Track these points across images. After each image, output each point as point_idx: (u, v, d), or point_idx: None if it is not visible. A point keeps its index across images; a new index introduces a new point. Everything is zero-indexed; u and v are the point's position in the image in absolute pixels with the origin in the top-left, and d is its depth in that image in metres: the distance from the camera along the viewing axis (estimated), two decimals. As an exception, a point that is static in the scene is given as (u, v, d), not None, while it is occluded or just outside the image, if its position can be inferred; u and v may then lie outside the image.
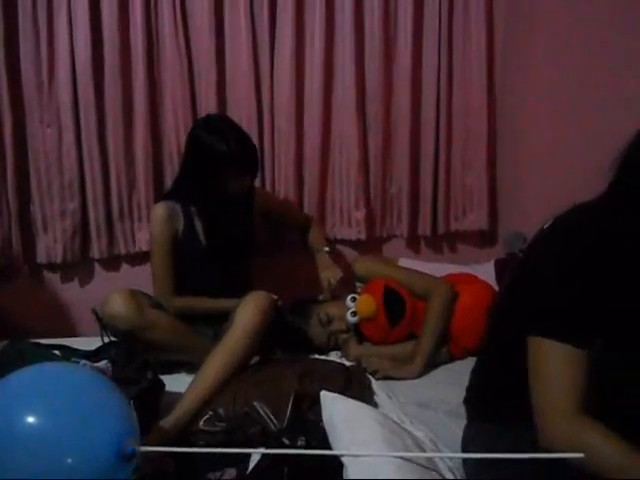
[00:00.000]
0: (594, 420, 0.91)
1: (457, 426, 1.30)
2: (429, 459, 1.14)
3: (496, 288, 1.96)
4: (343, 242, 2.38)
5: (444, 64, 2.28)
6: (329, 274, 1.99)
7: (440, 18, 2.25)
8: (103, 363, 1.45)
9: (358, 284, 2.04)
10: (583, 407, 0.92)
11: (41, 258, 2.15)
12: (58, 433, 0.96)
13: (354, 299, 1.91)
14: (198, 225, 1.87)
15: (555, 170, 2.05)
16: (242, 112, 2.15)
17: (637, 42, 1.61)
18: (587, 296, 0.93)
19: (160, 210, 1.82)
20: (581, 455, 0.87)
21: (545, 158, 2.12)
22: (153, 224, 1.83)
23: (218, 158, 1.74)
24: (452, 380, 1.64)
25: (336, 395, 1.18)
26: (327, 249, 2.09)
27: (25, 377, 1.05)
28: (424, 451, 1.15)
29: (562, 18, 1.97)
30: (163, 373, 1.64)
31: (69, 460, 0.96)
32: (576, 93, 1.90)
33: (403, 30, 2.25)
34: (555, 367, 0.93)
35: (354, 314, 1.89)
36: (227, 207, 1.88)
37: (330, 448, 1.10)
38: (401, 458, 1.01)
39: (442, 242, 2.49)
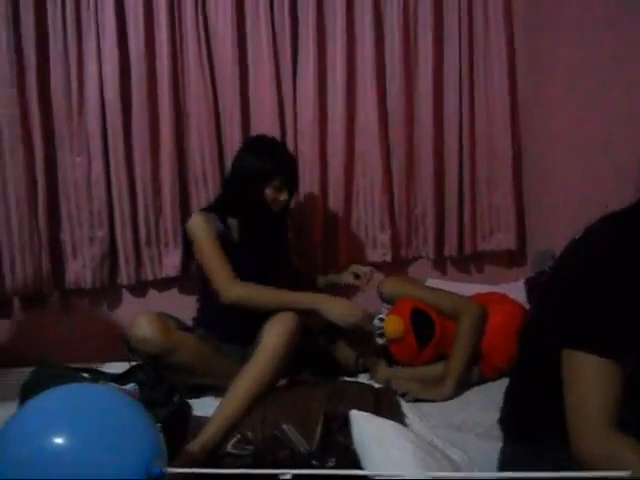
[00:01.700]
0: (629, 436, 0.88)
1: (492, 448, 1.25)
2: (464, 481, 1.10)
3: (527, 307, 1.92)
4: (369, 264, 2.35)
5: (466, 83, 2.29)
6: (356, 267, 2.09)
7: (460, 38, 2.27)
8: (131, 386, 1.45)
9: (386, 305, 2.01)
10: (616, 420, 0.89)
11: (70, 284, 2.17)
12: (85, 454, 0.95)
13: (382, 320, 1.88)
14: (235, 237, 1.88)
15: (583, 186, 2.01)
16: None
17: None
18: (618, 307, 0.90)
19: (198, 216, 1.86)
20: (627, 473, 0.83)
21: (572, 174, 2.09)
22: (195, 227, 1.83)
23: (258, 171, 1.83)
24: (484, 401, 1.60)
25: (367, 414, 1.16)
26: None
27: (52, 398, 1.05)
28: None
29: (586, 37, 1.96)
30: (191, 397, 1.64)
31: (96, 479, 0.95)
32: (602, 109, 1.88)
33: (424, 50, 2.27)
34: (587, 379, 0.91)
35: (382, 335, 1.85)
36: (265, 223, 1.90)
37: (361, 469, 1.07)
38: (435, 479, 0.97)
39: (469, 263, 2.46)
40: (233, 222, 1.89)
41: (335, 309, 1.72)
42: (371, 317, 1.84)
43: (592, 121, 1.94)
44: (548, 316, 1.03)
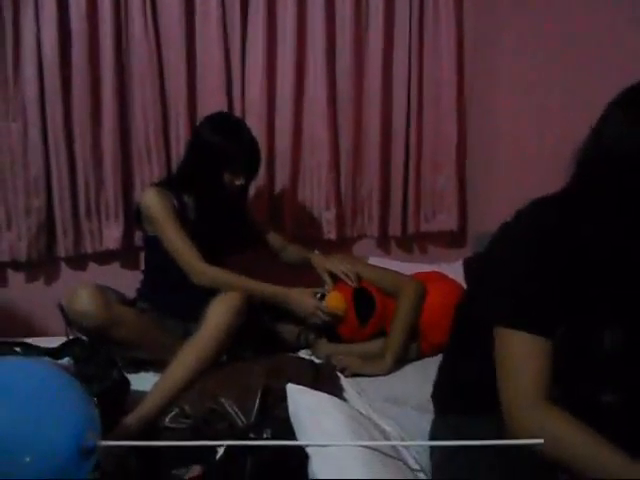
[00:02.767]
0: (559, 408, 0.92)
1: (426, 421, 1.29)
2: (396, 451, 1.14)
3: (465, 286, 1.98)
4: (313, 242, 2.37)
5: (415, 67, 2.32)
6: (340, 267, 1.94)
7: (411, 20, 2.29)
8: (65, 360, 1.42)
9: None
10: (548, 395, 0.92)
11: (4, 256, 2.09)
12: (12, 427, 0.93)
13: (324, 296, 1.90)
14: (191, 216, 1.84)
15: (522, 172, 2.08)
16: (213, 112, 2.14)
17: (604, 42, 1.65)
18: (547, 284, 0.94)
19: (152, 190, 1.79)
20: (540, 441, 0.88)
21: (514, 160, 2.16)
22: (151, 203, 1.76)
23: (220, 155, 1.77)
24: (421, 376, 1.65)
25: (302, 387, 1.18)
26: (317, 252, 2.09)
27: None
28: (390, 443, 1.15)
29: (530, 18, 2.02)
30: (130, 372, 1.62)
31: (27, 454, 0.93)
32: (546, 95, 1.95)
33: (374, 32, 2.27)
34: (518, 356, 0.94)
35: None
36: (222, 203, 1.87)
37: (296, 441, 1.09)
38: (367, 448, 1.00)
39: (412, 242, 2.52)
40: (190, 200, 1.85)
41: (303, 307, 1.81)
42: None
43: (532, 110, 2.01)
44: (481, 294, 1.07)
